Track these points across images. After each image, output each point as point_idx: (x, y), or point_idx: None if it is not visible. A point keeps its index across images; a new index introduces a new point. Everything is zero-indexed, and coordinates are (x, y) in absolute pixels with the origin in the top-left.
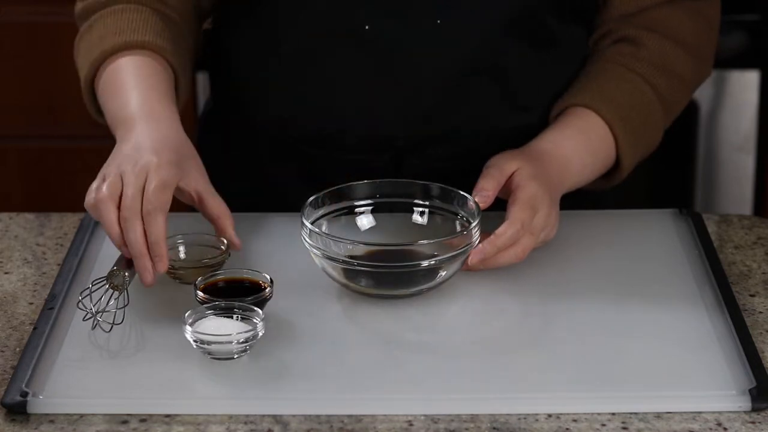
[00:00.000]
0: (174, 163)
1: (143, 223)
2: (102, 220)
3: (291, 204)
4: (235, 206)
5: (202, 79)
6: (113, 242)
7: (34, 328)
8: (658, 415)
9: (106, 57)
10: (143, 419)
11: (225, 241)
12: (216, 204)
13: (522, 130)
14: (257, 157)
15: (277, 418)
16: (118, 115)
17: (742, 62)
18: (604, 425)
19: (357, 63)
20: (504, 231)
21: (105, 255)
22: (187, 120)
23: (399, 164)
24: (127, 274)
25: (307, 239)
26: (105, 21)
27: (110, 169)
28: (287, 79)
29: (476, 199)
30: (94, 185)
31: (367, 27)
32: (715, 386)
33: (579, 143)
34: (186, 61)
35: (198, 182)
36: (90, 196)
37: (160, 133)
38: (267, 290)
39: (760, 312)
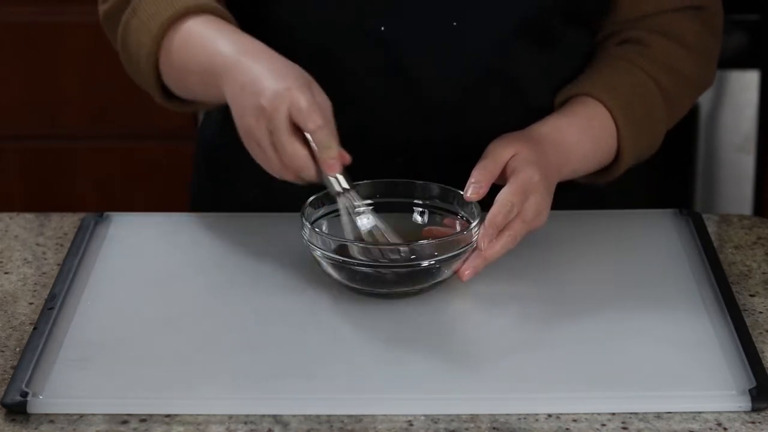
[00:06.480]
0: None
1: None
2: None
3: (302, 205)
4: (244, 205)
5: None
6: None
7: (34, 328)
8: (658, 415)
9: (174, 20)
10: (143, 419)
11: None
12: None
13: None
14: None
15: (277, 418)
16: (213, 60)
17: (742, 62)
18: (604, 425)
19: (372, 64)
20: (494, 217)
21: (105, 255)
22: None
23: (412, 165)
24: (338, 175)
25: (307, 239)
26: None
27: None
28: None
29: (468, 191)
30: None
31: (383, 28)
32: (715, 386)
33: (581, 129)
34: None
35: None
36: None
37: (273, 62)
38: None
39: (760, 312)
